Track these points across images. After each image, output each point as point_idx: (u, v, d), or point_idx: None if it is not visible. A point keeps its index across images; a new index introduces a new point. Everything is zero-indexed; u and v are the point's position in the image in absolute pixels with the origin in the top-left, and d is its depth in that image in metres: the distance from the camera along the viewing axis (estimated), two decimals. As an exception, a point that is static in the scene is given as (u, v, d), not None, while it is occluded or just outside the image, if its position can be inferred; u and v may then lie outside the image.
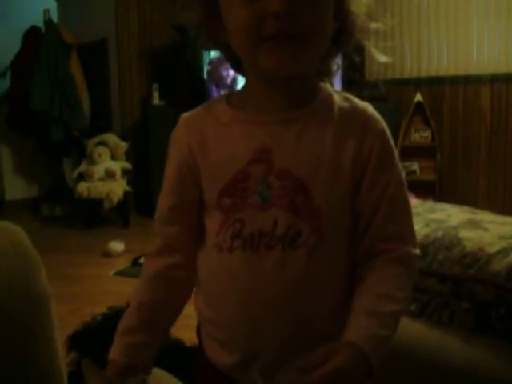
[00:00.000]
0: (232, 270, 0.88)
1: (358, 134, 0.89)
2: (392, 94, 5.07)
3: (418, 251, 0.94)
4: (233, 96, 0.96)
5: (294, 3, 0.78)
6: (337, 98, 0.92)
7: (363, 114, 0.91)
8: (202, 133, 0.92)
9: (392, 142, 0.93)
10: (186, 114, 0.98)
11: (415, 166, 5.05)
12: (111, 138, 5.19)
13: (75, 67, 5.54)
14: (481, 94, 4.93)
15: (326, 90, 0.93)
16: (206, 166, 0.91)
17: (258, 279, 0.87)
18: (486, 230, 1.53)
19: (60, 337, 1.11)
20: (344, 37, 0.90)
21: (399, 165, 0.93)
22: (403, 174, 0.94)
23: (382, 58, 0.95)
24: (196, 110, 0.98)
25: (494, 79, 4.84)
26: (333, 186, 0.87)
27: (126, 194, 5.07)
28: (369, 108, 0.93)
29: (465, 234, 1.49)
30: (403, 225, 0.93)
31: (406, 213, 0.94)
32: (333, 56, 0.94)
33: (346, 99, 0.93)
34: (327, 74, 0.96)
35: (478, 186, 5.00)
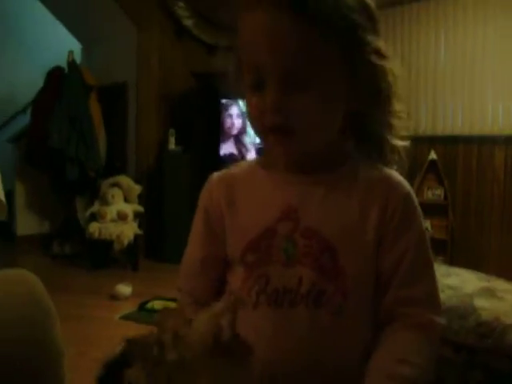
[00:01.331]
0: (256, 326, 0.87)
1: (383, 200, 0.91)
2: (406, 151, 5.09)
3: (442, 320, 0.92)
4: (263, 158, 1.00)
5: (282, 99, 0.83)
6: (364, 167, 0.94)
7: (387, 181, 0.93)
8: (232, 190, 0.97)
9: (416, 205, 0.94)
10: (216, 173, 1.02)
11: (427, 224, 5.03)
12: (125, 180, 5.23)
13: (94, 108, 5.63)
14: (495, 155, 4.94)
15: (355, 158, 0.95)
16: (232, 223, 0.94)
17: (281, 336, 0.87)
18: (502, 299, 1.52)
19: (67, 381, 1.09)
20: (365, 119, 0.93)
21: (424, 227, 0.94)
22: (427, 237, 0.94)
23: (400, 143, 0.96)
24: (226, 170, 1.02)
25: (509, 140, 4.86)
26: (358, 248, 0.89)
27: (136, 236, 5.08)
28: (393, 174, 0.94)
29: (480, 302, 1.48)
30: (425, 289, 0.91)
31: (429, 276, 0.92)
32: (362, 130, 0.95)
33: (373, 167, 0.95)
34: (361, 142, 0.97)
35: (490, 247, 4.97)
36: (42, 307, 1.01)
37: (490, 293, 1.57)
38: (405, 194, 0.92)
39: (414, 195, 0.94)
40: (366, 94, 0.89)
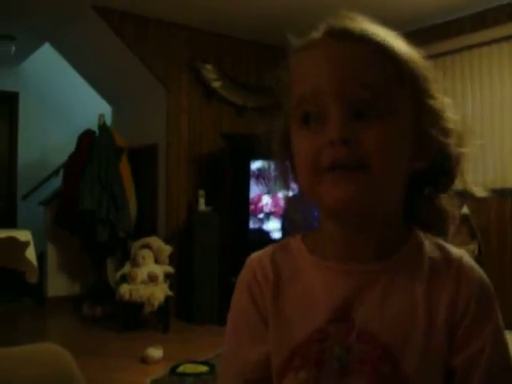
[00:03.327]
0: None
1: (452, 286, 0.78)
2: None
3: None
4: (308, 238, 0.86)
5: (350, 129, 0.72)
6: (428, 247, 0.81)
7: (457, 263, 0.80)
8: (276, 278, 0.83)
9: (492, 292, 0.81)
10: (256, 255, 0.88)
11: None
12: (156, 241, 5.23)
13: (125, 170, 5.71)
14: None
15: (417, 238, 0.82)
16: (277, 319, 0.80)
17: None
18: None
19: None
20: (439, 177, 0.82)
21: (500, 320, 0.80)
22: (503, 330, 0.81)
23: (480, 193, 0.86)
24: (267, 251, 0.88)
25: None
26: (425, 353, 0.75)
27: (167, 298, 5.04)
28: (464, 256, 0.81)
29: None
30: None
31: (509, 376, 0.78)
32: (425, 199, 0.85)
33: (439, 247, 0.82)
34: (421, 220, 0.85)
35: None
36: (74, 385, 0.98)
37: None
38: (479, 281, 0.79)
39: (487, 280, 0.81)
40: (431, 146, 0.78)
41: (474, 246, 4.92)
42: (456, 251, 0.82)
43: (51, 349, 1.04)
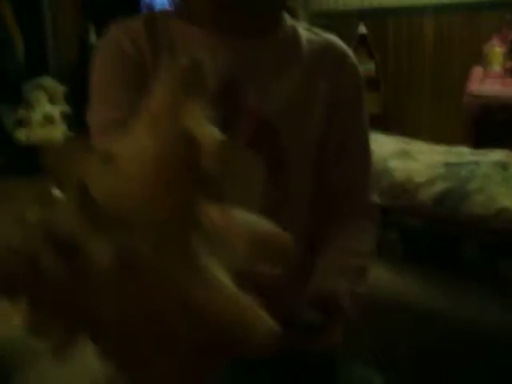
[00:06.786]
0: None
1: (331, 68, 0.82)
2: (335, 26, 4.99)
3: (377, 198, 0.91)
4: (181, 8, 0.80)
5: None
6: (302, 30, 0.83)
7: (335, 48, 0.84)
8: (157, 41, 0.78)
9: (363, 84, 0.88)
10: (121, 23, 0.82)
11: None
12: (48, 81, 5.00)
13: (6, 10, 5.28)
14: (424, 26, 4.89)
15: (289, 21, 0.82)
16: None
17: None
18: (416, 159, 1.52)
19: None
20: None
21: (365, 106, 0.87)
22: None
23: None
24: (137, 18, 0.81)
25: (438, 10, 4.80)
26: (302, 127, 0.78)
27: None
28: (338, 41, 0.86)
29: (394, 164, 1.47)
30: (363, 165, 0.89)
31: (368, 153, 0.89)
32: None
33: (312, 32, 0.84)
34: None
35: (421, 119, 5.02)
36: None
37: (405, 154, 1.57)
38: (354, 65, 0.86)
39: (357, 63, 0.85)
40: None
41: (371, 66, 4.98)
42: (330, 36, 0.85)
43: None
